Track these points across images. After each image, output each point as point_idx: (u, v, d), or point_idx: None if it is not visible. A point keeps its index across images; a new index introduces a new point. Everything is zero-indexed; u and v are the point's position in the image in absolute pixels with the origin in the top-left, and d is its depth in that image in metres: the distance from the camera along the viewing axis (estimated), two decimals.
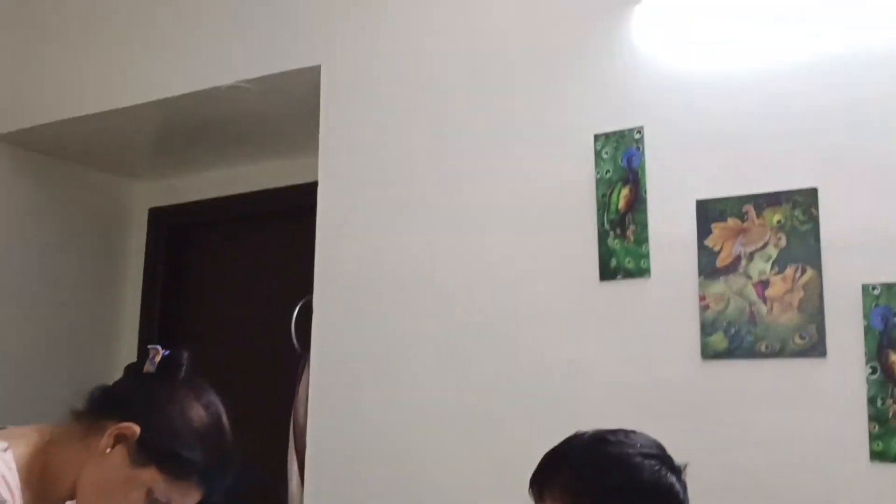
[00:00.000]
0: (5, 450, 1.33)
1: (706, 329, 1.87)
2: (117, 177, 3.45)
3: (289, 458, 2.63)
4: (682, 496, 1.35)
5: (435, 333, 2.18)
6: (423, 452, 2.17)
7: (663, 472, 1.34)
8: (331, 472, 2.30)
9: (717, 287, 1.86)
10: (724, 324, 1.85)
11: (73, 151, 3.20)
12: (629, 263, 1.96)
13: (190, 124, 2.91)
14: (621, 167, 2.00)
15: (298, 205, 2.68)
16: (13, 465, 1.32)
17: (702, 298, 1.87)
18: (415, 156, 2.27)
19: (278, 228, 3.16)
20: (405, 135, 2.30)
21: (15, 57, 3.06)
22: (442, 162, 2.24)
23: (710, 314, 1.87)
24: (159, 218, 3.45)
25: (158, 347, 1.45)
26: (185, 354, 1.45)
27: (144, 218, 3.48)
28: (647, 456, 1.35)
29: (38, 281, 3.18)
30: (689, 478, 1.37)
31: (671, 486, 1.34)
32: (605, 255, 1.99)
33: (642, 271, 1.95)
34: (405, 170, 2.28)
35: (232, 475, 1.43)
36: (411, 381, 2.20)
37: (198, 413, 1.39)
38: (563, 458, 1.42)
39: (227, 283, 3.31)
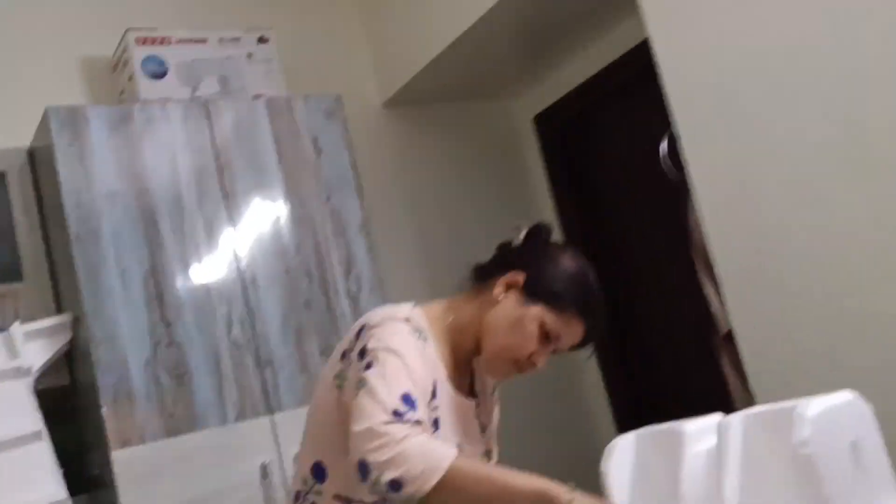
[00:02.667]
0: (413, 307, 1.68)
1: None
2: (496, 99, 3.88)
3: (702, 282, 2.82)
4: None
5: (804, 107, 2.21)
6: (824, 230, 2.20)
7: None
8: (745, 280, 2.41)
9: None
10: None
11: (451, 88, 3.63)
12: None
13: (540, 22, 3.22)
14: None
15: (639, 66, 2.96)
16: (425, 318, 1.67)
17: None
18: None
19: (627, 92, 3.45)
20: None
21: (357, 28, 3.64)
22: None
23: None
24: (543, 122, 3.83)
25: (521, 224, 1.75)
26: (544, 224, 1.75)
27: (530, 127, 3.88)
28: None
29: (468, 214, 3.67)
30: None
31: None
32: None
33: None
34: None
35: (604, 313, 1.68)
36: (796, 163, 2.24)
37: (566, 261, 1.69)
38: None
39: (611, 154, 3.64)
